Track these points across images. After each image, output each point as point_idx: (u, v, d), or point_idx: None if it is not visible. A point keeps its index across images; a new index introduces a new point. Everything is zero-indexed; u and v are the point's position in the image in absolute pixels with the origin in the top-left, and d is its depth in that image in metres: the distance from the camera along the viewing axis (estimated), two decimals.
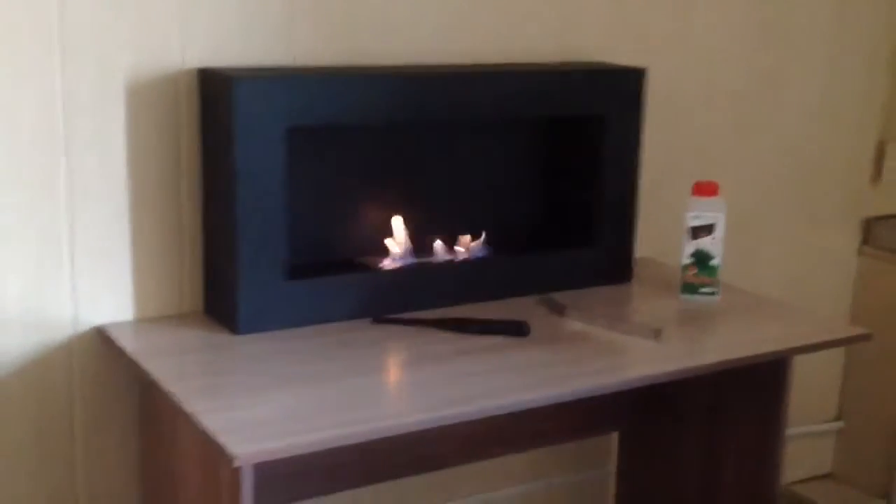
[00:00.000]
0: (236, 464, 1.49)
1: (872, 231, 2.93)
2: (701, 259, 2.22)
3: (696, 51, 2.55)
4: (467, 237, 2.25)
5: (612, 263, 2.33)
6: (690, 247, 2.22)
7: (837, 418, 3.06)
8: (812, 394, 2.99)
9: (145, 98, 1.95)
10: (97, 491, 2.05)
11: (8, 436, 1.95)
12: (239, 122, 1.87)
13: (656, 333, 1.99)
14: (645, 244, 2.42)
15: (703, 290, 2.23)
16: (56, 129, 1.89)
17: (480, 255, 2.25)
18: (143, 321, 2.02)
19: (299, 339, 1.95)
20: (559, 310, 2.13)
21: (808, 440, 3.01)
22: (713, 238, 2.22)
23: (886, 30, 2.82)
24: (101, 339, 1.97)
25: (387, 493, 2.39)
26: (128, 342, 1.90)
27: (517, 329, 2.00)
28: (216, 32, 1.98)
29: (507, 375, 1.83)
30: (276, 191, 1.93)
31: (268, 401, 1.69)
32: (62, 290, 1.95)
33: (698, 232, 2.22)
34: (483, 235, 2.26)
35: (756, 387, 2.18)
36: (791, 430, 2.92)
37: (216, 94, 1.93)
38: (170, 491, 1.91)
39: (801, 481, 3.01)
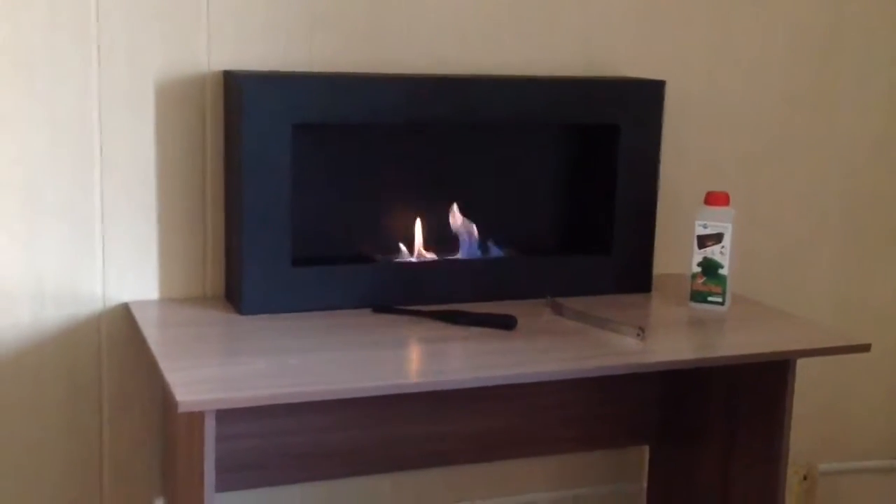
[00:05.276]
0: (181, 409, 1.64)
1: None
2: (709, 268, 2.24)
3: (737, 65, 2.57)
4: (478, 238, 2.34)
5: (631, 273, 2.37)
6: (698, 255, 2.24)
7: None
8: (879, 428, 2.91)
9: (174, 97, 2.15)
10: (121, 456, 2.23)
11: (42, 399, 2.16)
12: (246, 118, 2.05)
13: (640, 332, 2.02)
14: (678, 260, 2.44)
15: (712, 298, 2.24)
16: (92, 123, 2.11)
17: (491, 256, 2.33)
18: (167, 301, 2.20)
19: (298, 321, 2.09)
20: (559, 310, 2.19)
21: (873, 476, 2.92)
22: (722, 247, 2.23)
23: None
24: (127, 315, 2.16)
25: (407, 486, 2.48)
26: (142, 316, 2.08)
27: (505, 322, 2.07)
28: (241, 37, 2.17)
29: (479, 357, 1.92)
30: (282, 183, 2.09)
31: (239, 364, 1.84)
32: (94, 269, 2.15)
33: (706, 240, 2.24)
34: (476, 235, 2.33)
35: (763, 395, 2.17)
36: (855, 465, 2.88)
37: (232, 93, 2.11)
38: (175, 455, 2.07)
39: None
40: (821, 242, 2.74)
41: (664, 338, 2.09)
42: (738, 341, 2.14)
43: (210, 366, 1.82)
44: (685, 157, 2.54)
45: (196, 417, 1.73)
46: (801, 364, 2.12)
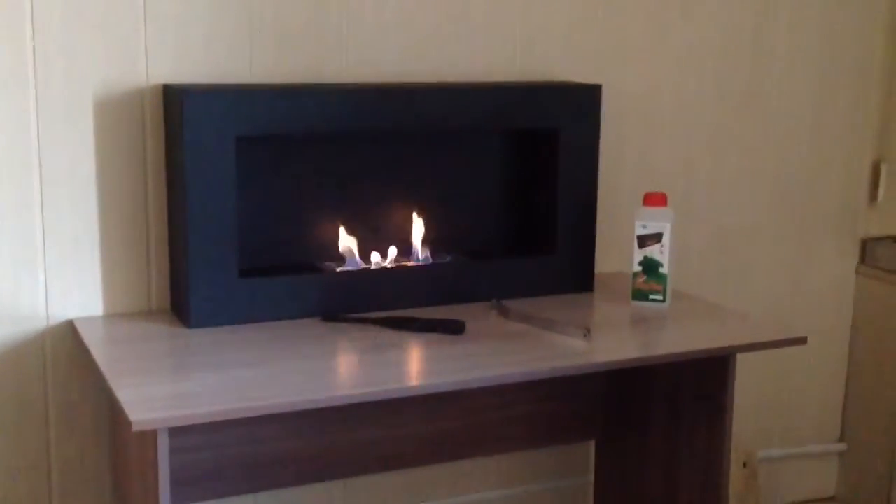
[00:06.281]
0: (135, 428, 1.64)
1: (870, 251, 2.93)
2: (649, 266, 2.28)
3: (671, 67, 2.62)
4: (424, 243, 2.36)
5: (574, 273, 2.41)
6: (639, 255, 2.29)
7: (840, 440, 3.03)
8: (814, 415, 2.99)
9: (113, 111, 2.14)
10: (69, 473, 2.21)
11: None
12: (188, 131, 2.04)
13: (585, 333, 2.06)
14: (620, 259, 2.48)
15: (653, 296, 2.29)
16: (30, 138, 2.09)
17: (439, 261, 2.36)
18: (112, 316, 2.19)
19: (247, 332, 2.10)
20: (505, 313, 2.22)
21: (811, 462, 3.01)
22: (661, 246, 2.28)
23: (876, 45, 2.84)
24: (72, 331, 2.15)
25: (359, 491, 2.50)
26: (88, 333, 2.07)
27: (453, 327, 2.10)
28: (181, 50, 2.16)
29: (427, 364, 1.94)
30: (227, 195, 2.09)
31: (189, 379, 1.84)
32: (37, 285, 2.13)
33: (646, 240, 2.29)
34: (423, 241, 2.35)
35: (704, 389, 2.23)
36: (793, 451, 2.97)
37: (173, 106, 2.10)
38: (127, 469, 2.06)
39: (805, 503, 3.00)
40: (757, 236, 2.81)
41: (608, 337, 2.13)
42: (679, 338, 2.19)
43: (161, 382, 1.82)
44: (624, 157, 2.59)
45: (148, 435, 1.73)
46: (741, 355, 2.17)
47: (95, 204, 2.15)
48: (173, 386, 1.81)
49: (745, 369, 2.71)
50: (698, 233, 2.72)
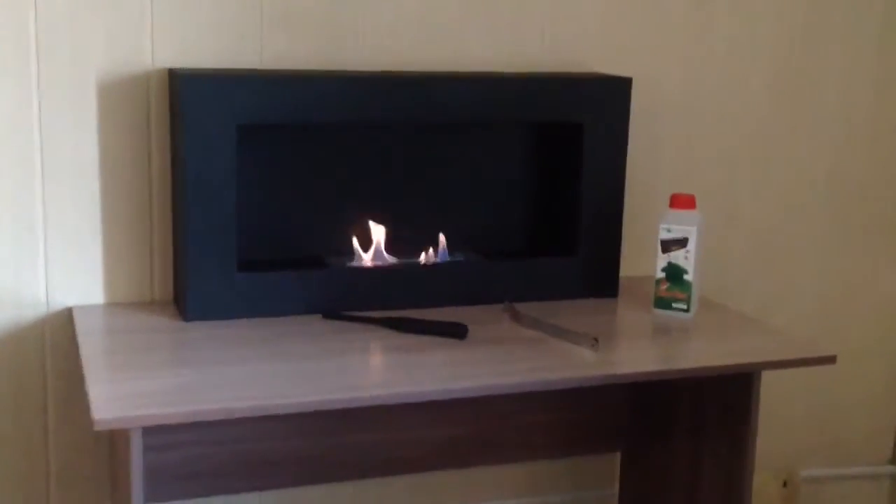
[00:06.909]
0: (97, 427, 1.58)
1: None
2: (673, 273, 2.15)
3: (715, 61, 2.47)
4: (441, 240, 2.26)
5: (596, 276, 2.29)
6: (662, 260, 2.16)
7: (892, 462, 2.85)
8: (865, 434, 2.82)
9: (117, 95, 2.08)
10: (67, 462, 2.18)
11: None
12: (188, 119, 1.98)
13: (593, 343, 1.94)
14: (650, 263, 2.33)
15: (676, 305, 2.15)
16: (32, 122, 2.04)
17: (454, 259, 2.25)
18: (112, 306, 2.14)
19: (243, 328, 2.03)
20: (517, 317, 2.11)
21: (859, 483, 2.83)
22: (686, 252, 2.14)
23: None
24: (72, 319, 2.10)
25: (370, 493, 2.42)
26: (82, 321, 2.03)
27: (455, 331, 2.00)
28: (188, 34, 2.10)
29: (419, 370, 1.85)
30: (226, 185, 2.02)
31: (169, 377, 1.77)
32: (37, 272, 2.09)
33: (670, 245, 2.15)
34: (444, 239, 2.25)
35: (728, 405, 2.09)
36: (839, 471, 2.80)
37: (176, 92, 2.04)
38: (117, 460, 2.01)
39: None
40: (806, 243, 2.65)
41: (621, 348, 2.01)
42: (698, 352, 2.05)
43: (141, 378, 1.75)
44: (660, 155, 2.45)
45: (120, 434, 1.67)
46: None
47: (98, 189, 2.10)
48: (152, 382, 1.73)
49: (790, 382, 2.57)
50: (740, 239, 2.57)
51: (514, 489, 2.54)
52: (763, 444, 2.62)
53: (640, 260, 2.38)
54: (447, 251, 2.26)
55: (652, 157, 2.43)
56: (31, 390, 2.14)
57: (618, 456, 2.53)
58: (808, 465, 2.75)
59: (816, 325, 2.62)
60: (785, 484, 2.69)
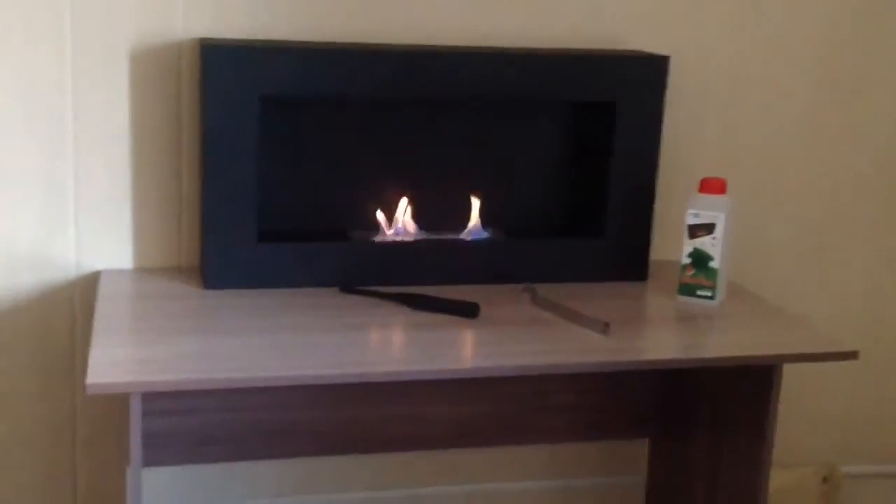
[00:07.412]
0: (88, 391, 1.61)
1: None
2: (699, 259, 2.10)
3: (762, 43, 2.39)
4: (473, 217, 2.24)
5: (624, 259, 2.24)
6: (688, 246, 2.11)
7: None
8: None
9: (148, 63, 2.11)
10: (94, 422, 2.23)
11: (15, 363, 2.18)
12: (210, 88, 2.00)
13: (604, 327, 1.91)
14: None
15: (701, 292, 2.10)
16: (65, 88, 2.08)
17: (477, 238, 2.24)
18: (140, 270, 2.18)
19: (262, 297, 2.04)
20: (536, 298, 2.09)
21: None
22: (713, 238, 2.09)
23: None
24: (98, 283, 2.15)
25: (392, 467, 2.42)
26: (106, 285, 2.07)
27: (467, 310, 1.99)
28: (221, 5, 2.11)
29: (421, 348, 1.84)
30: (248, 155, 2.03)
31: (172, 344, 1.80)
32: (67, 236, 2.14)
33: (696, 230, 2.10)
34: (478, 217, 2.24)
35: (749, 396, 2.04)
36: (883, 468, 2.72)
37: (203, 62, 2.06)
38: None
39: None
40: (850, 234, 2.55)
41: (636, 334, 1.98)
42: (718, 342, 2.01)
43: (146, 343, 1.79)
44: (700, 138, 2.39)
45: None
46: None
47: (128, 156, 2.14)
48: (153, 349, 1.77)
49: (832, 377, 2.51)
50: (781, 227, 2.49)
51: (538, 471, 2.52)
52: (803, 439, 2.58)
53: (677, 244, 2.32)
54: (481, 229, 2.24)
55: (693, 139, 2.37)
56: (60, 353, 2.19)
57: (646, 443, 2.49)
58: (849, 461, 2.66)
59: (860, 320, 2.54)
60: (825, 480, 2.62)
